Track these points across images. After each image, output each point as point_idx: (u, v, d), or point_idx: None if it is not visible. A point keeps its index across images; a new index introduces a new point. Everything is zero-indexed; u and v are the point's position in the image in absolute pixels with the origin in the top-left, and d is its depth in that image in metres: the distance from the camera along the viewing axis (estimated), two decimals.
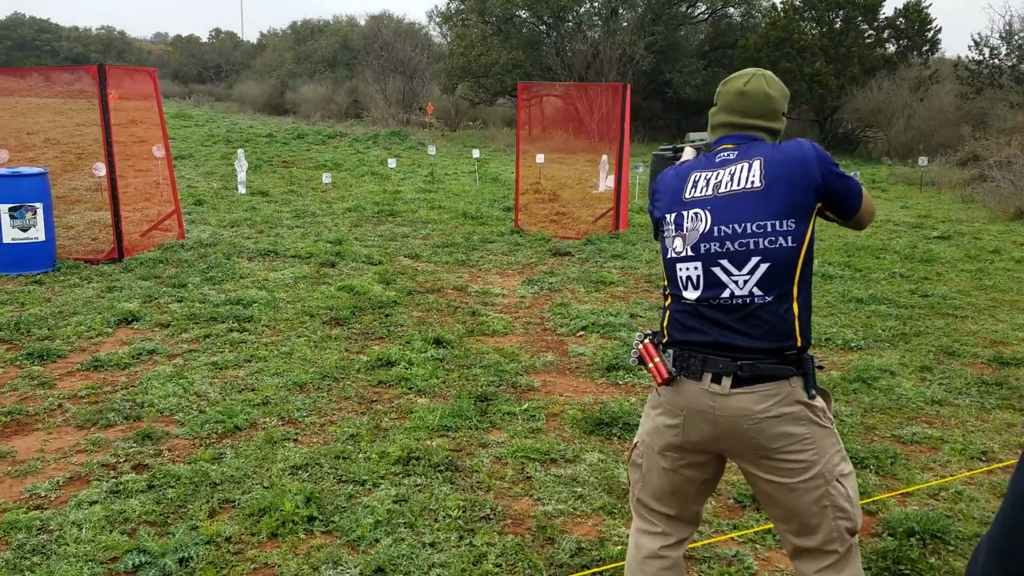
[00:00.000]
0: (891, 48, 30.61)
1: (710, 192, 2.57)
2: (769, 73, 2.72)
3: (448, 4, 41.03)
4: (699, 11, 37.26)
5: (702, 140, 3.31)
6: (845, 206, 2.59)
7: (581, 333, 7.22)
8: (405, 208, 14.05)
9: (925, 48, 30.18)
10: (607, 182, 19.29)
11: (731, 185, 2.53)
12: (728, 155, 2.62)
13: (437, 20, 44.00)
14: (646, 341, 2.66)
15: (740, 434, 2.49)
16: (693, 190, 2.61)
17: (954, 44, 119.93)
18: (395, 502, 4.07)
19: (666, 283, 2.69)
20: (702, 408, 2.52)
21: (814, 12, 30.33)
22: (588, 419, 5.18)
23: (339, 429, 4.96)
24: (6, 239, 8.53)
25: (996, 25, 58.89)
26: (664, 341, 2.65)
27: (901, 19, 29.81)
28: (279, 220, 12.31)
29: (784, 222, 2.45)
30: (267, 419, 5.09)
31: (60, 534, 3.75)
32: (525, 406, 5.43)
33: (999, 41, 26.63)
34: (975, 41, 27.05)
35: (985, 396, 5.84)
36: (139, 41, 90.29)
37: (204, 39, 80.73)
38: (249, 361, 6.12)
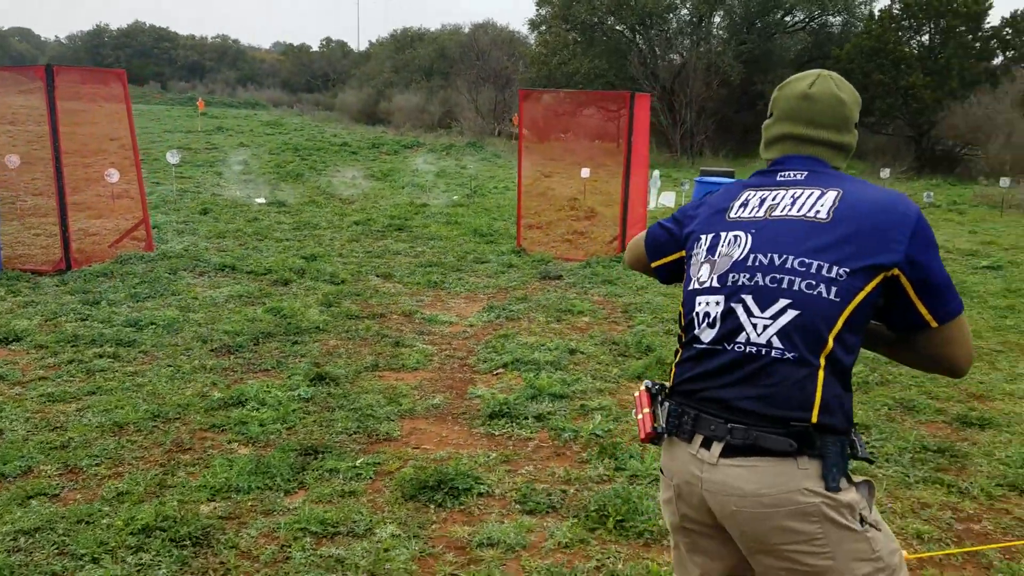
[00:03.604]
0: (997, 60, 28.51)
1: (762, 213, 2.08)
2: (836, 74, 2.19)
3: (537, 11, 40.36)
4: (796, 19, 35.61)
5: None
6: (927, 304, 1.98)
7: (500, 371, 6.43)
8: (419, 223, 13.44)
9: None
10: (661, 199, 18.35)
11: (789, 210, 2.04)
12: (795, 175, 2.11)
13: (541, 29, 43.36)
14: (643, 389, 2.20)
15: (731, 518, 1.97)
16: (741, 209, 2.12)
17: None
18: None
19: (682, 322, 2.17)
20: (690, 479, 2.03)
21: (913, 21, 28.47)
22: (416, 481, 4.41)
23: (115, 485, 4.32)
24: None
25: None
26: (668, 389, 2.17)
27: (1008, 29, 27.66)
28: (271, 232, 11.83)
29: (835, 268, 1.93)
30: (47, 466, 4.50)
31: None
32: (359, 461, 4.70)
33: None
34: None
35: (918, 466, 4.80)
36: (253, 50, 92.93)
37: (315, 48, 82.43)
38: (92, 393, 5.56)
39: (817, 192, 2.03)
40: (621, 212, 11.15)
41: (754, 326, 1.96)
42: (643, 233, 2.43)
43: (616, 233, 11.58)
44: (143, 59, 72.41)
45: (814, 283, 1.92)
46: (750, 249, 2.02)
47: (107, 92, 10.13)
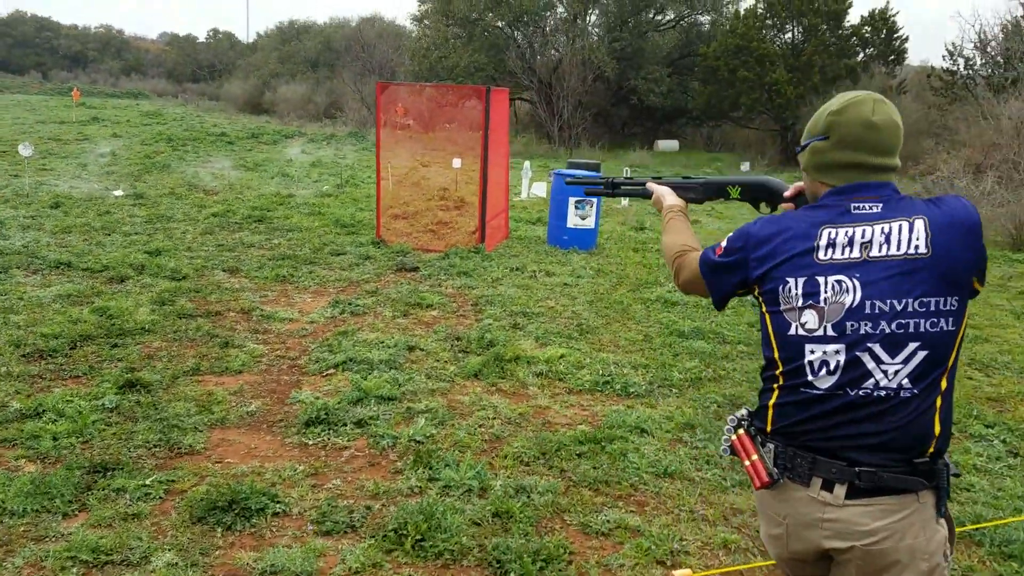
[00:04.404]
0: (858, 57, 29.48)
1: (857, 254, 2.03)
2: (882, 96, 2.15)
3: (419, 6, 40.08)
4: (667, 17, 36.26)
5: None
6: (980, 280, 2.07)
7: (331, 371, 6.18)
8: (281, 214, 12.98)
9: (891, 57, 29.02)
10: (532, 189, 18.29)
11: (888, 248, 2.01)
12: (870, 207, 2.06)
13: (424, 23, 43.03)
14: (740, 432, 2.17)
15: (849, 552, 2.01)
16: (831, 250, 2.05)
17: (934, 55, 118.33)
18: None
19: (779, 366, 2.11)
20: (809, 521, 2.05)
21: (776, 20, 29.20)
22: (207, 501, 4.13)
23: None
24: None
25: (967, 34, 57.26)
26: (767, 430, 2.14)
27: (867, 27, 28.67)
28: (120, 226, 11.22)
29: (949, 300, 1.98)
30: None
31: None
32: (151, 479, 4.38)
33: (974, 52, 25.39)
34: (949, 51, 25.90)
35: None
36: (138, 40, 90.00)
37: (202, 39, 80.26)
38: None
39: (905, 224, 2.01)
40: (480, 204, 10.99)
41: (884, 372, 1.98)
42: (697, 270, 2.35)
43: (477, 225, 11.42)
44: (24, 49, 69.48)
45: (936, 320, 1.96)
46: (863, 295, 2.00)
47: None
